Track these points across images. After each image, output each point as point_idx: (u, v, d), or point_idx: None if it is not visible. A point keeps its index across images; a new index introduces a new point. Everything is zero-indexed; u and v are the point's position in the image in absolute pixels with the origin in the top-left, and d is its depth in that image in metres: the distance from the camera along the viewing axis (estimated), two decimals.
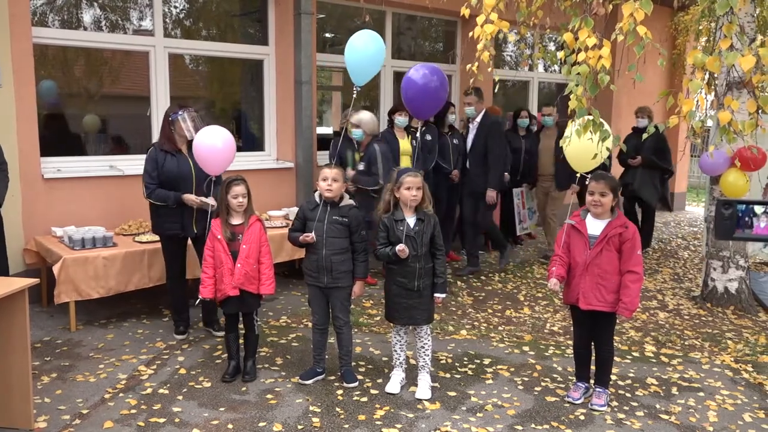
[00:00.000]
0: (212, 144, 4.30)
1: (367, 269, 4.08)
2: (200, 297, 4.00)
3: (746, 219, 1.92)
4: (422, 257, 3.79)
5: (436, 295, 3.87)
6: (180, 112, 4.50)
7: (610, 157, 7.26)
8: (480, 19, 4.30)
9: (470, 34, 4.50)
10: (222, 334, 4.55)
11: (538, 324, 5.32)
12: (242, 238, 3.94)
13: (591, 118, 3.87)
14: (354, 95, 5.27)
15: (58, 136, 5.88)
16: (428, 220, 3.81)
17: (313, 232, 3.89)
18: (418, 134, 6.74)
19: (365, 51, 4.84)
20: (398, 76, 8.27)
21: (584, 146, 4.12)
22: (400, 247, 3.73)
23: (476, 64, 4.60)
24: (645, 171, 7.61)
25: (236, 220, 4.00)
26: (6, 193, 4.71)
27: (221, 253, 3.93)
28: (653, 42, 3.68)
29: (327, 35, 7.80)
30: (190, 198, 4.49)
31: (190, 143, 4.56)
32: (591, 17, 3.83)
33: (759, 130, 4.29)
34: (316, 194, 4.01)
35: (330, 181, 3.89)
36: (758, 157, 5.06)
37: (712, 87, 6.03)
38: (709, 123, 5.56)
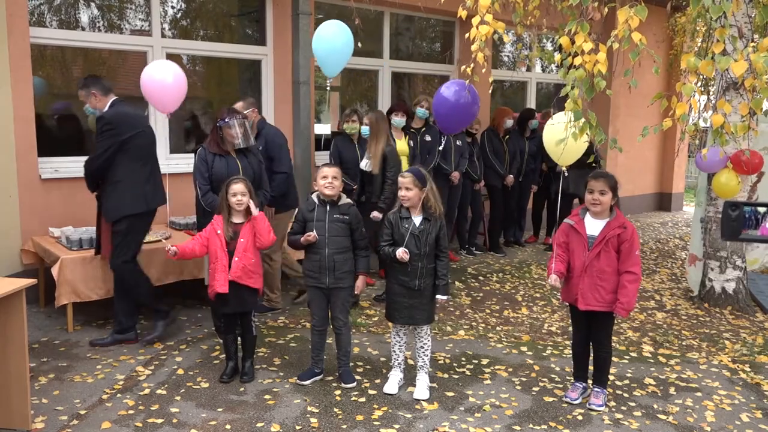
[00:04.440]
0: (162, 79, 4.32)
1: (369, 265, 4.10)
2: (170, 245, 3.95)
3: (752, 220, 1.92)
4: (425, 257, 3.79)
5: (437, 296, 3.87)
6: (227, 119, 4.44)
7: (597, 158, 7.25)
8: (475, 20, 4.31)
9: (466, 35, 4.51)
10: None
11: (536, 324, 5.32)
12: (240, 233, 3.94)
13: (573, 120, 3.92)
14: (328, 88, 5.25)
15: (55, 137, 5.87)
16: (434, 221, 3.81)
17: (314, 231, 3.90)
18: (418, 135, 6.75)
19: (333, 42, 4.79)
20: (396, 77, 8.30)
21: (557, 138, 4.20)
22: (400, 252, 3.74)
23: (472, 65, 4.62)
24: (575, 171, 6.91)
25: (237, 219, 4.00)
26: None
27: (217, 248, 3.93)
28: (648, 48, 3.69)
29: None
30: None
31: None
32: (587, 22, 3.85)
33: (752, 132, 4.31)
34: (314, 195, 4.01)
35: (330, 179, 3.90)
36: (754, 161, 5.07)
37: (706, 89, 6.05)
38: (703, 124, 5.58)
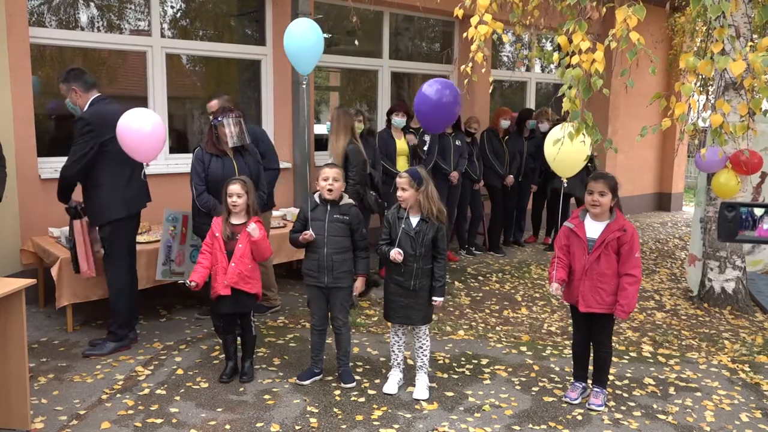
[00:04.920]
0: (139, 128, 4.09)
1: (368, 266, 4.09)
2: (189, 281, 3.94)
3: (749, 221, 1.92)
4: (420, 258, 3.79)
5: (433, 298, 3.87)
6: (220, 118, 4.37)
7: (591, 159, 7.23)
8: (474, 20, 4.32)
9: (464, 34, 4.51)
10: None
11: (535, 324, 5.32)
12: (239, 237, 3.94)
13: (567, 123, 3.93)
14: (303, 85, 5.16)
15: (55, 137, 5.87)
16: (432, 223, 3.81)
17: (310, 230, 3.90)
18: (419, 134, 6.74)
19: (303, 40, 4.74)
20: (396, 77, 8.30)
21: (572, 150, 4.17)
22: (393, 253, 3.74)
23: (470, 64, 4.62)
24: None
25: (236, 220, 4.00)
26: (4, 188, 4.67)
27: (217, 251, 3.93)
28: (646, 48, 3.69)
29: (324, 36, 7.79)
30: None
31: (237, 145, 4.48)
32: (585, 21, 3.85)
33: (750, 132, 4.31)
34: (316, 195, 4.01)
35: (331, 181, 3.90)
36: (753, 161, 5.07)
37: (705, 89, 6.06)
38: (702, 124, 5.59)
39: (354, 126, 5.60)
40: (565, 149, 4.15)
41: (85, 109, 4.33)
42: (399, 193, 3.80)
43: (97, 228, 4.46)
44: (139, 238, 5.19)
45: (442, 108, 4.96)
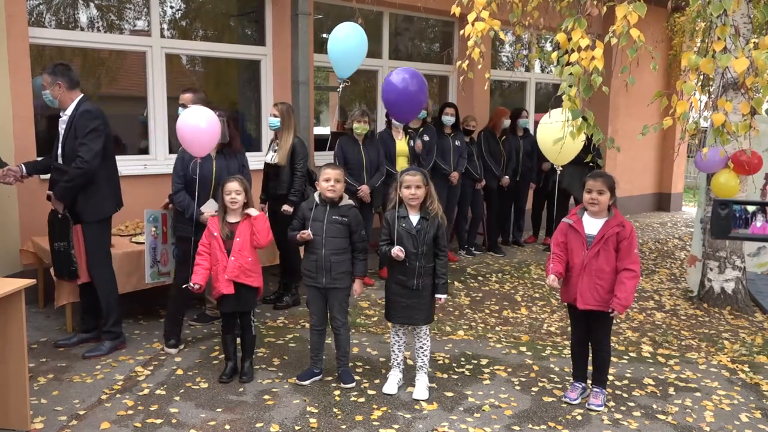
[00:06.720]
0: (196, 125, 4.16)
1: (366, 268, 4.09)
2: (191, 283, 3.96)
3: (742, 218, 1.93)
4: (422, 256, 3.79)
5: (437, 295, 3.87)
6: None
7: (599, 155, 7.23)
8: (471, 17, 4.32)
9: (461, 32, 4.51)
10: (174, 351, 4.53)
11: (535, 324, 5.32)
12: (236, 232, 3.94)
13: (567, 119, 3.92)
14: (339, 90, 5.12)
15: (54, 137, 5.86)
16: (432, 220, 3.81)
17: (309, 230, 3.90)
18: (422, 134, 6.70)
19: (347, 42, 4.69)
20: None
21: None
22: (395, 250, 3.74)
23: (467, 61, 4.62)
24: (572, 169, 6.99)
25: (233, 218, 4.01)
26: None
27: (217, 250, 3.94)
28: (646, 45, 3.69)
29: (324, 36, 7.80)
30: (204, 218, 4.29)
31: (222, 145, 4.47)
32: (584, 18, 3.85)
33: (752, 132, 4.31)
34: (315, 194, 4.01)
35: (333, 182, 3.89)
36: (753, 161, 5.07)
37: (707, 88, 6.07)
38: (703, 124, 5.59)
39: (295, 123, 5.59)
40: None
41: (72, 107, 4.32)
42: (413, 191, 3.77)
43: (81, 228, 4.41)
44: (138, 239, 5.20)
45: (408, 97, 4.68)
